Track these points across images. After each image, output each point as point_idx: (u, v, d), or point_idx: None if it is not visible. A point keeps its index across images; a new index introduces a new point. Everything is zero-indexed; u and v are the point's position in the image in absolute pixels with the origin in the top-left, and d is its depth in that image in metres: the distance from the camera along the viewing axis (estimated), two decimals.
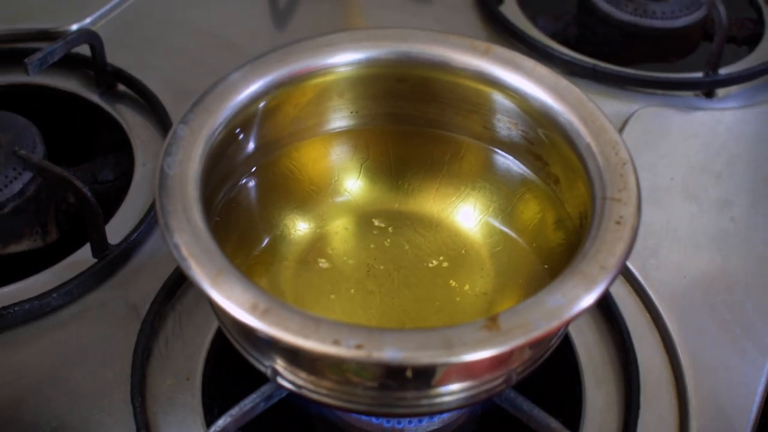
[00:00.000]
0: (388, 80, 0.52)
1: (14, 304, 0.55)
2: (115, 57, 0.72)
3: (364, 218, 0.53)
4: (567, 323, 0.39)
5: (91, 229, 0.57)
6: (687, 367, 0.54)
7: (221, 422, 0.46)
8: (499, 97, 0.50)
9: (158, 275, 0.57)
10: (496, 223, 0.52)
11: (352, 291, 0.49)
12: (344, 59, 0.51)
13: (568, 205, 0.49)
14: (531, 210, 0.52)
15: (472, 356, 0.36)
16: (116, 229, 0.60)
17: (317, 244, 0.52)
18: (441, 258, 0.51)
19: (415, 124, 0.54)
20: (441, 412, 0.47)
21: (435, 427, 0.50)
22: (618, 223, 0.42)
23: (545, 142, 0.49)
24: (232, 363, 0.49)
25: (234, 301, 0.38)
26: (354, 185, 0.54)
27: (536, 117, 0.49)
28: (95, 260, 0.58)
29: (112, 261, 0.58)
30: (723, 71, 0.76)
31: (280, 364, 0.42)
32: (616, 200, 0.43)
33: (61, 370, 0.53)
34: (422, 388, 0.41)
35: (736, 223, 0.64)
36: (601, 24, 0.81)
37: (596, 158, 0.45)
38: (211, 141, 0.45)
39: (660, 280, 0.59)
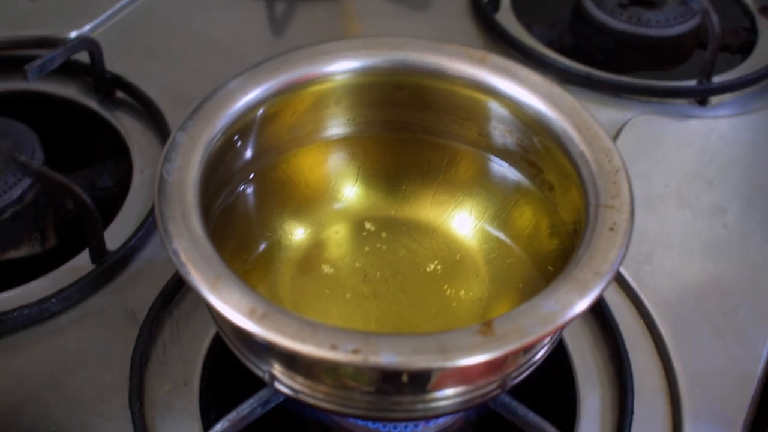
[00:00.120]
0: (385, 88, 0.52)
1: (13, 310, 0.55)
2: (113, 64, 0.73)
3: (361, 224, 0.53)
4: (561, 328, 0.39)
5: (90, 235, 0.58)
6: (680, 372, 0.55)
7: (219, 427, 0.47)
8: (494, 105, 0.51)
9: (156, 281, 0.57)
10: (492, 230, 0.53)
11: (349, 296, 0.50)
12: (341, 67, 0.51)
13: (562, 211, 0.49)
14: (526, 216, 0.52)
15: (467, 361, 0.37)
16: (115, 235, 0.61)
17: (314, 250, 0.52)
18: (437, 264, 0.52)
19: (411, 131, 0.54)
20: (437, 417, 0.48)
21: (430, 431, 0.51)
22: (611, 229, 0.42)
23: (540, 149, 0.50)
24: (229, 368, 0.50)
25: (232, 306, 0.38)
26: (351, 192, 0.54)
27: (531, 124, 0.49)
28: (94, 266, 0.58)
29: (110, 267, 0.58)
30: (716, 79, 0.76)
31: (277, 369, 0.43)
32: (610, 207, 0.43)
33: (59, 375, 0.53)
34: (418, 393, 0.41)
35: (729, 230, 0.64)
36: (595, 32, 0.82)
37: (590, 165, 0.45)
38: (209, 148, 0.46)
39: (654, 286, 0.59)
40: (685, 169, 0.69)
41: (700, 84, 0.76)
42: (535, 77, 0.50)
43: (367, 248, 0.52)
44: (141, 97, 0.71)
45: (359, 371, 0.40)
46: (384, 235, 0.53)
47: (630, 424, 0.51)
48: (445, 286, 0.51)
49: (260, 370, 0.43)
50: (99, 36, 0.76)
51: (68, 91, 0.73)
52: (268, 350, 0.42)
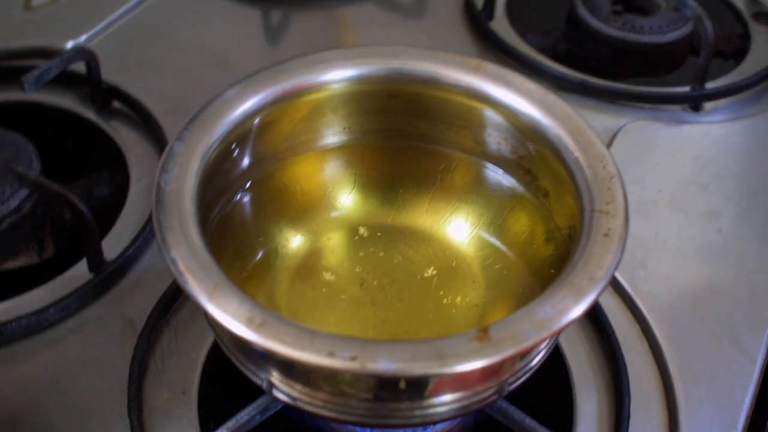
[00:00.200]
0: (380, 96, 0.53)
1: (12, 320, 0.55)
2: (110, 74, 0.73)
3: (358, 232, 0.54)
4: (557, 334, 0.40)
5: (88, 245, 0.58)
6: (676, 376, 0.55)
7: None
8: (489, 113, 0.51)
9: (154, 290, 0.57)
10: (487, 236, 0.53)
11: (346, 304, 0.50)
12: (337, 76, 0.52)
13: (557, 217, 0.50)
14: (521, 223, 0.53)
15: (464, 367, 0.37)
16: (112, 245, 0.61)
17: (311, 258, 0.52)
18: (433, 271, 0.52)
19: (407, 139, 0.55)
20: (434, 423, 0.48)
21: None
22: (606, 235, 0.42)
23: (534, 156, 0.50)
24: (227, 377, 0.50)
25: (230, 315, 0.38)
26: (347, 200, 0.55)
27: (525, 132, 0.50)
28: (92, 275, 0.59)
29: (108, 276, 0.59)
30: (710, 85, 0.77)
31: (275, 377, 0.43)
32: (604, 213, 0.44)
33: (59, 384, 0.54)
34: (415, 399, 0.41)
35: (723, 235, 0.65)
36: (589, 39, 0.82)
37: (584, 172, 0.46)
38: (206, 157, 0.46)
39: (649, 291, 0.60)
40: (680, 175, 0.69)
41: (693, 90, 0.76)
42: (530, 85, 0.50)
43: (363, 256, 0.53)
44: (137, 107, 0.71)
45: (357, 378, 0.40)
46: (381, 242, 0.53)
47: (627, 429, 0.51)
48: (442, 293, 0.51)
49: (258, 378, 0.44)
50: (95, 46, 0.76)
51: (65, 101, 0.74)
52: (266, 358, 0.42)
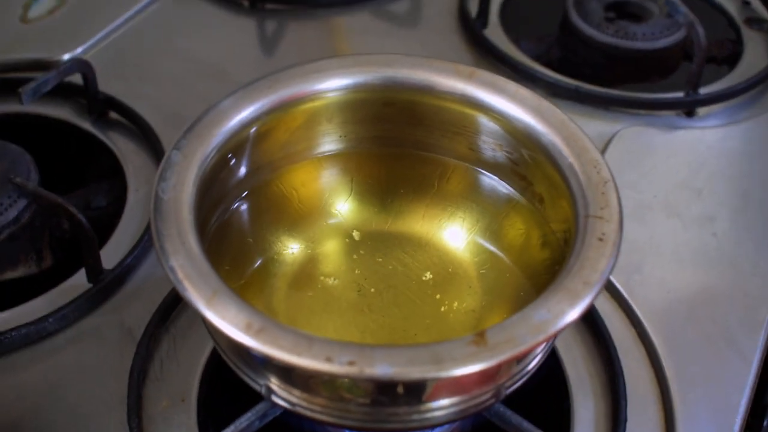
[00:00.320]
0: (376, 104, 0.53)
1: (11, 330, 0.55)
2: (106, 85, 0.73)
3: (355, 239, 0.54)
4: (552, 337, 0.40)
5: (87, 254, 0.58)
6: (672, 379, 0.55)
7: None
8: (483, 120, 0.52)
9: (152, 299, 0.58)
10: (483, 242, 0.53)
11: (344, 310, 0.51)
12: (332, 85, 0.52)
13: (552, 223, 0.50)
14: (517, 228, 0.53)
15: (461, 371, 0.37)
16: (110, 254, 0.61)
17: (309, 265, 0.53)
18: (430, 277, 0.52)
19: (402, 146, 0.55)
20: (432, 427, 0.48)
21: None
22: (600, 239, 0.43)
23: (529, 162, 0.51)
24: (226, 384, 0.50)
25: (229, 321, 0.39)
26: (344, 207, 0.55)
27: (520, 138, 0.50)
28: (90, 285, 0.59)
29: (106, 285, 0.59)
30: (703, 90, 0.77)
31: (274, 383, 0.43)
32: (599, 218, 0.44)
33: (58, 393, 0.54)
34: (413, 403, 0.42)
35: (718, 238, 0.65)
36: (583, 46, 0.83)
37: (578, 177, 0.46)
38: (203, 166, 0.46)
39: (644, 295, 0.60)
40: (674, 180, 0.70)
41: (687, 96, 0.77)
42: (524, 91, 0.51)
43: (360, 262, 0.53)
44: (134, 118, 0.72)
45: (355, 383, 0.41)
46: (377, 248, 0.54)
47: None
48: (439, 299, 0.51)
49: (257, 384, 0.44)
50: (91, 58, 0.76)
51: (62, 112, 0.74)
52: (264, 364, 0.43)
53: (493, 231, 0.53)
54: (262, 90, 0.50)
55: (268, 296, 0.51)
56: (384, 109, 0.53)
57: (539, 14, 0.92)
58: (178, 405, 0.53)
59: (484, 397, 0.43)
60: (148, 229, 0.62)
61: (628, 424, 0.52)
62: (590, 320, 0.57)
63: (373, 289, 0.52)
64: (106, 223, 0.65)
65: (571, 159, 0.47)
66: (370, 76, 0.52)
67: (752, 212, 0.67)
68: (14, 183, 0.61)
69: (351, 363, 0.37)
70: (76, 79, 0.72)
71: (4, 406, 0.53)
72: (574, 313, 0.40)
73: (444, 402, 0.42)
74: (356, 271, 0.52)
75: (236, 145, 0.49)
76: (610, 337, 0.56)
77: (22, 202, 0.61)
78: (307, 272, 0.52)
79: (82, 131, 0.73)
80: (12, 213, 0.61)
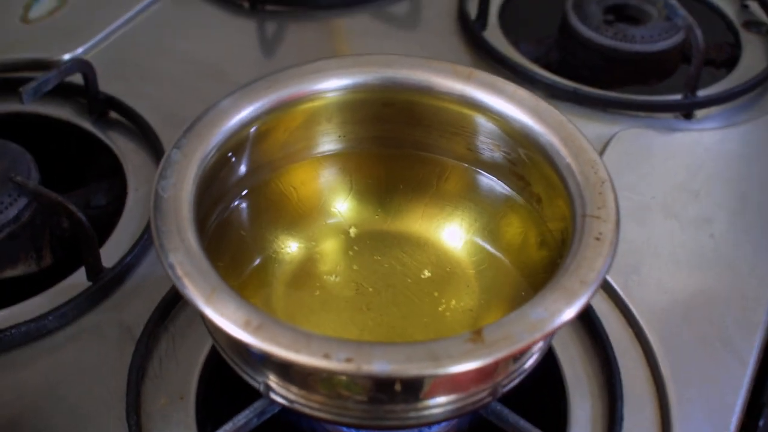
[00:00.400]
0: (375, 105, 0.53)
1: (11, 327, 0.56)
2: (107, 85, 0.74)
3: (353, 238, 0.54)
4: (549, 335, 0.40)
5: (86, 253, 0.58)
6: (668, 379, 0.55)
7: None
8: (481, 120, 0.52)
9: (152, 297, 0.58)
10: (481, 242, 0.54)
11: (342, 309, 0.51)
12: (332, 85, 0.52)
13: (549, 222, 0.50)
14: (514, 228, 0.53)
15: (458, 368, 0.38)
16: (110, 253, 0.61)
17: (307, 264, 0.53)
18: (428, 276, 0.53)
19: (401, 146, 0.55)
20: (429, 424, 0.49)
21: None
22: (597, 239, 0.43)
23: (527, 162, 0.51)
24: (225, 382, 0.51)
25: (227, 318, 0.39)
26: (343, 206, 0.55)
27: (518, 138, 0.50)
28: (90, 283, 0.59)
29: (106, 284, 0.59)
30: (701, 93, 0.78)
31: (272, 380, 0.43)
32: (596, 217, 0.44)
33: (58, 391, 0.54)
34: (410, 401, 0.42)
35: (715, 240, 0.65)
36: (582, 48, 0.83)
37: (576, 177, 0.46)
38: (203, 165, 0.47)
39: (642, 295, 0.60)
40: (672, 181, 0.70)
41: (685, 98, 0.77)
42: (522, 92, 0.51)
43: (359, 261, 0.53)
44: (134, 118, 0.72)
45: (353, 380, 0.41)
46: (376, 248, 0.54)
47: (620, 431, 0.52)
48: (437, 297, 0.51)
49: (256, 381, 0.44)
50: (92, 58, 0.76)
51: (62, 112, 0.74)
52: (263, 361, 0.43)
53: (491, 230, 0.54)
54: (261, 90, 0.51)
55: (267, 294, 0.51)
56: (383, 110, 0.54)
57: (538, 16, 0.92)
58: (176, 403, 0.53)
59: (481, 395, 0.43)
60: (147, 228, 0.63)
61: (625, 424, 0.53)
62: (588, 320, 0.58)
63: (371, 288, 0.52)
64: (106, 222, 0.65)
65: (569, 159, 0.47)
66: (369, 76, 0.53)
67: (750, 214, 0.68)
68: (15, 182, 0.61)
69: (349, 360, 0.37)
70: (77, 79, 0.72)
71: (3, 403, 0.53)
72: (570, 312, 0.40)
73: (441, 399, 0.42)
74: (355, 270, 0.53)
75: (236, 144, 0.50)
76: (607, 337, 0.57)
77: (22, 201, 0.61)
78: (305, 271, 0.52)
79: (82, 131, 0.73)
80: (12, 211, 0.61)
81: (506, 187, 0.54)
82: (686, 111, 0.77)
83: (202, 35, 0.85)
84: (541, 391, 0.54)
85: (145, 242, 0.62)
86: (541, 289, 0.41)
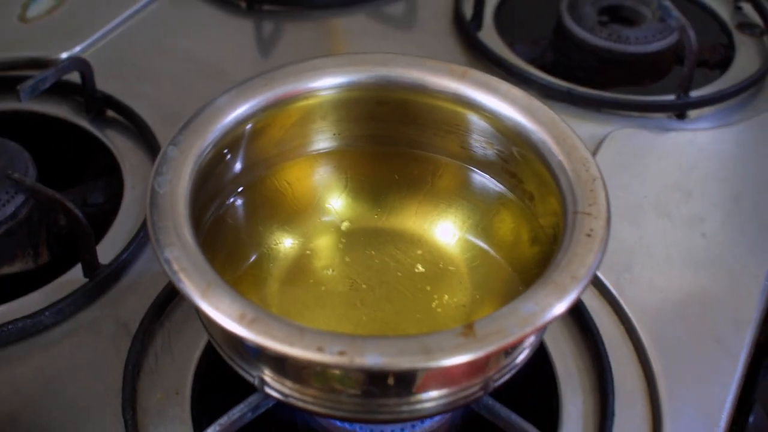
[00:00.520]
0: (369, 103, 0.54)
1: (7, 323, 0.56)
2: (104, 84, 0.74)
3: (348, 235, 0.55)
4: (540, 330, 0.41)
5: (83, 249, 0.59)
6: (660, 376, 0.56)
7: (210, 431, 0.48)
8: (475, 118, 0.52)
9: (148, 294, 0.58)
10: (474, 239, 0.54)
11: (336, 305, 0.51)
12: (327, 83, 0.53)
13: (541, 219, 0.51)
14: (507, 225, 0.54)
15: (450, 361, 0.38)
16: (106, 250, 0.62)
17: (302, 260, 0.53)
18: (421, 272, 0.53)
19: (395, 144, 0.56)
20: (421, 418, 0.49)
21: None
22: (588, 235, 0.44)
23: (519, 160, 0.51)
24: (220, 377, 0.51)
25: (222, 312, 0.39)
26: (338, 204, 0.56)
27: (510, 136, 0.51)
28: (86, 280, 0.59)
29: (102, 280, 0.60)
30: (694, 94, 0.78)
31: (267, 374, 0.44)
32: (587, 214, 0.45)
33: (54, 386, 0.54)
34: (403, 395, 0.42)
35: (707, 239, 0.66)
36: (576, 49, 0.84)
37: (568, 174, 0.47)
38: (199, 161, 0.47)
39: (634, 293, 0.61)
40: (665, 181, 0.70)
41: (678, 98, 0.78)
42: (515, 91, 0.52)
43: (353, 258, 0.54)
44: (131, 116, 0.73)
45: (346, 373, 0.41)
46: (370, 244, 0.54)
47: (611, 427, 0.53)
48: (430, 293, 0.52)
49: (250, 375, 0.45)
50: (89, 57, 0.77)
51: (60, 110, 0.75)
52: (258, 355, 0.43)
53: (484, 227, 0.54)
54: (257, 87, 0.51)
55: (262, 290, 0.51)
56: (377, 108, 0.54)
57: (533, 18, 0.93)
58: (172, 398, 0.54)
59: (472, 390, 0.44)
60: (144, 225, 0.63)
61: (616, 419, 0.53)
62: (580, 318, 0.58)
63: (365, 285, 0.52)
64: (103, 220, 0.66)
65: (561, 157, 0.48)
66: (364, 75, 0.53)
67: (742, 214, 0.68)
68: (12, 178, 0.61)
69: (342, 353, 0.38)
70: (74, 77, 0.72)
71: (0, 399, 0.54)
72: (561, 307, 0.40)
73: (433, 394, 0.43)
74: (349, 267, 0.53)
75: (232, 141, 0.50)
76: (599, 333, 0.57)
77: (19, 198, 0.62)
78: (300, 267, 0.53)
79: (79, 129, 0.74)
80: (9, 208, 0.61)
81: (499, 184, 0.54)
82: (679, 111, 0.78)
83: (199, 35, 0.85)
84: (533, 387, 0.55)
85: (141, 240, 0.62)
86: (532, 284, 0.42)
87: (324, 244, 0.54)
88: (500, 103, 0.51)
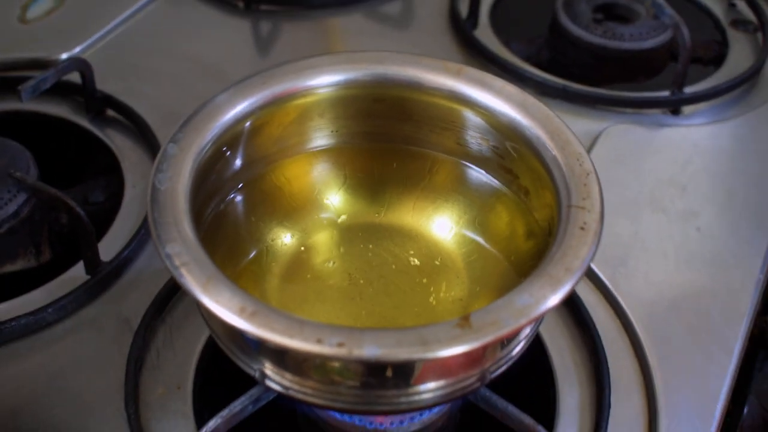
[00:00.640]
0: (366, 100, 0.54)
1: (11, 320, 0.57)
2: (104, 84, 0.75)
3: (346, 231, 0.55)
4: (535, 321, 0.41)
5: (85, 247, 0.60)
6: (655, 368, 0.56)
7: (212, 424, 0.48)
8: (470, 115, 0.53)
9: (149, 290, 0.59)
10: (471, 233, 0.55)
11: (335, 299, 0.52)
12: (324, 81, 0.53)
13: (536, 213, 0.51)
14: (503, 219, 0.54)
15: (446, 352, 0.39)
16: (108, 248, 0.62)
17: (301, 256, 0.54)
18: (419, 266, 0.54)
19: (392, 141, 0.56)
20: (419, 410, 0.49)
21: (416, 428, 0.52)
22: (582, 228, 0.44)
23: (514, 155, 0.52)
24: (221, 372, 0.52)
25: (223, 306, 0.40)
26: (336, 200, 0.56)
27: (505, 132, 0.51)
28: (88, 277, 0.60)
29: (104, 277, 0.60)
30: (688, 90, 0.79)
31: (267, 367, 0.44)
32: (581, 208, 0.45)
33: (57, 382, 0.55)
34: (401, 386, 0.43)
35: (702, 233, 0.66)
36: (572, 47, 0.84)
37: (562, 169, 0.48)
38: (199, 158, 0.48)
39: (629, 287, 0.62)
40: (659, 176, 0.71)
41: (672, 94, 0.78)
42: (510, 88, 0.52)
43: (352, 253, 0.54)
44: (131, 115, 0.73)
45: (345, 365, 0.42)
46: (368, 240, 0.55)
47: (607, 418, 0.53)
48: (427, 287, 0.52)
49: (251, 368, 0.45)
50: (89, 57, 0.77)
51: (60, 110, 0.75)
52: (258, 348, 0.44)
53: (480, 222, 0.55)
54: (256, 85, 0.52)
55: (262, 284, 0.52)
56: (374, 105, 0.55)
57: (529, 15, 0.94)
58: (174, 392, 0.54)
59: (469, 381, 0.44)
60: (144, 222, 0.64)
61: (612, 411, 0.54)
62: (576, 311, 0.59)
63: (363, 279, 0.53)
64: (104, 219, 0.66)
65: (555, 152, 0.48)
66: (361, 72, 0.54)
67: (736, 208, 0.69)
68: (14, 177, 0.62)
69: (340, 344, 0.38)
70: (75, 77, 0.73)
71: (4, 394, 0.54)
72: (555, 298, 0.41)
73: (431, 385, 0.43)
74: (347, 262, 0.54)
75: (231, 138, 0.51)
76: (595, 327, 0.58)
77: (21, 197, 0.62)
78: (299, 262, 0.54)
79: (80, 129, 0.74)
80: (11, 207, 0.62)
81: (494, 179, 0.55)
82: (673, 107, 0.79)
83: (197, 35, 0.86)
84: (530, 379, 0.55)
85: (142, 237, 0.63)
86: (527, 276, 0.43)
87: (322, 240, 0.55)
88: (495, 99, 0.52)
